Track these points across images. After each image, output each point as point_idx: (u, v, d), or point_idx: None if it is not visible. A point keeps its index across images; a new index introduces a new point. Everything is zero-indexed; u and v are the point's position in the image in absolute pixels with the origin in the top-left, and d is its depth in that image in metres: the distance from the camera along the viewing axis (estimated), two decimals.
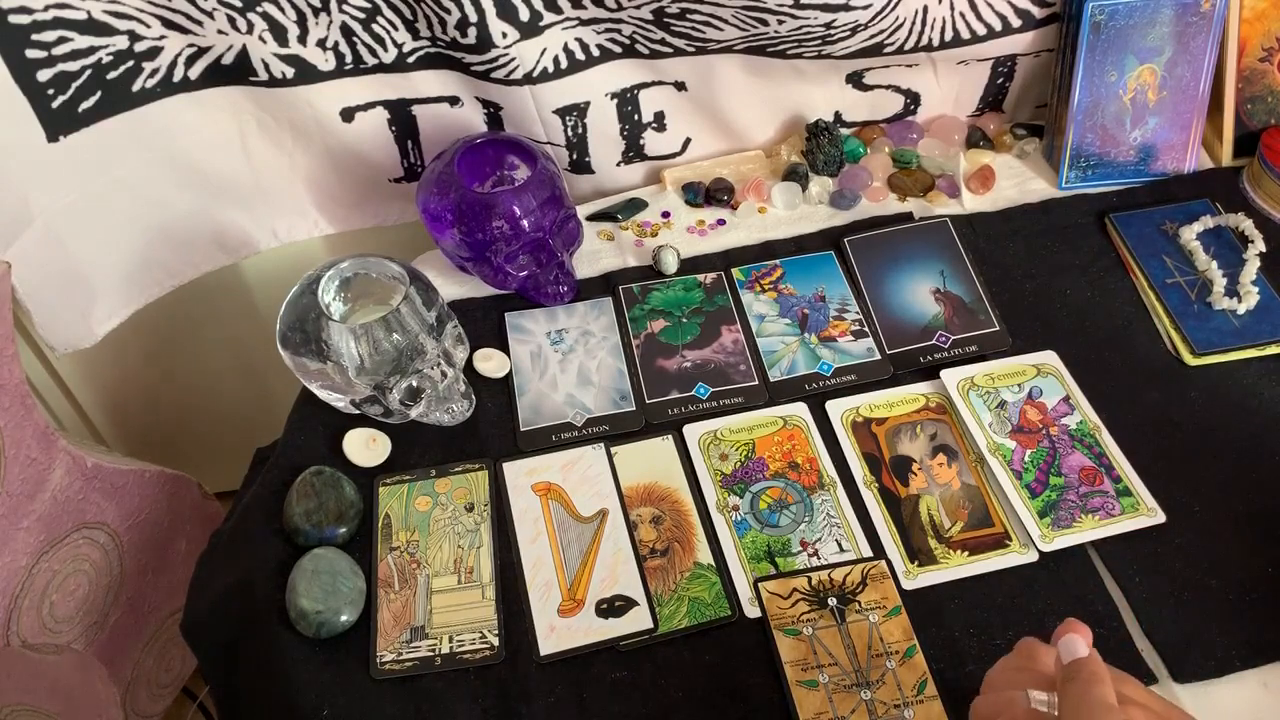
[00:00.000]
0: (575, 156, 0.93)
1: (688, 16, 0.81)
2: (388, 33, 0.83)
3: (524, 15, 0.80)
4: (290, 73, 0.84)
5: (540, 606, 0.67)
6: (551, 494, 0.73)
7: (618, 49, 0.86)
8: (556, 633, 0.66)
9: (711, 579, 0.68)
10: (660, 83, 0.90)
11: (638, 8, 0.80)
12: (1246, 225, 0.83)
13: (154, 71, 0.83)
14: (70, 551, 0.90)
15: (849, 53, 0.85)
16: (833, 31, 0.81)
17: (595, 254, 0.89)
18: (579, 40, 0.84)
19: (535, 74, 0.84)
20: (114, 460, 0.94)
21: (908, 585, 0.67)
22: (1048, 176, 0.91)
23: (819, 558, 0.69)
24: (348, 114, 0.89)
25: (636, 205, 0.93)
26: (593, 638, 0.65)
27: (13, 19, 0.75)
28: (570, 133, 0.90)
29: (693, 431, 0.76)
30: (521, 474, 0.74)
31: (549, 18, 0.81)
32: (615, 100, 0.90)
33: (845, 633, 0.64)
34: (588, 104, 0.89)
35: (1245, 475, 0.70)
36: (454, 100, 0.89)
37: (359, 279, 0.75)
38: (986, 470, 0.72)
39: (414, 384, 0.73)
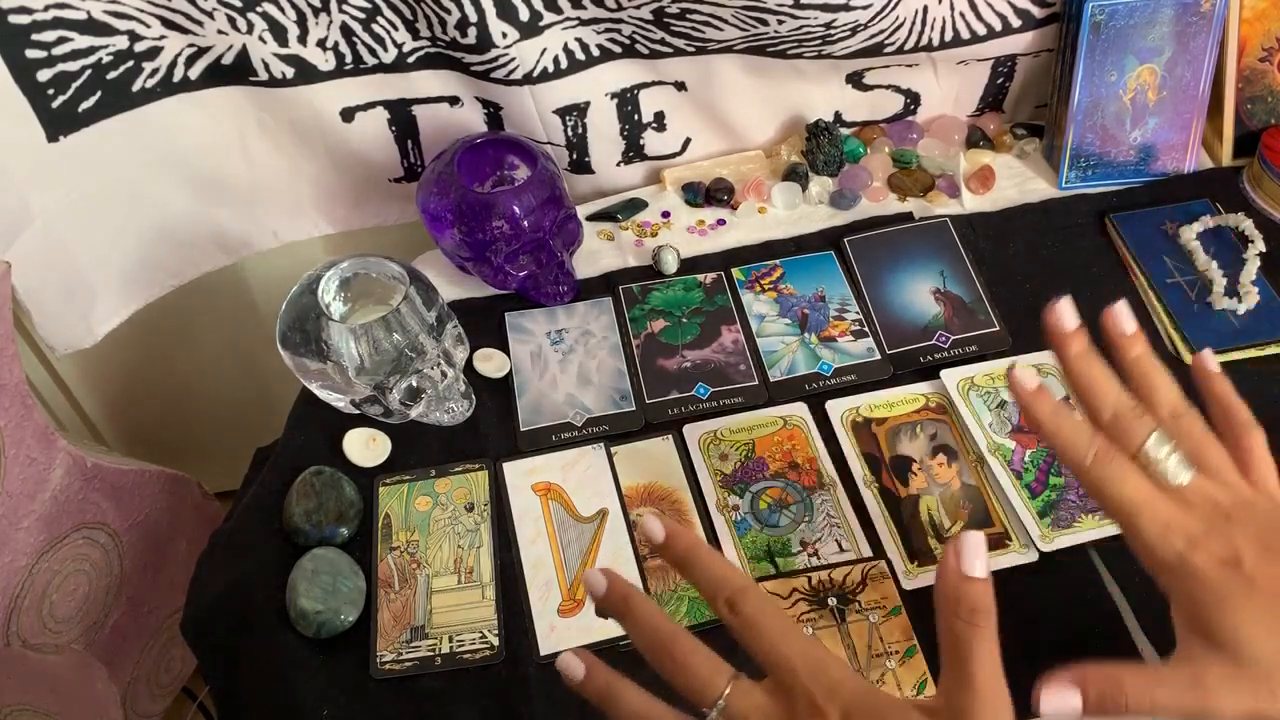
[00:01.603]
0: (575, 156, 0.93)
1: (688, 16, 0.81)
2: (388, 33, 0.83)
3: (524, 15, 0.80)
4: (290, 73, 0.84)
5: (540, 606, 0.67)
6: (551, 494, 0.73)
7: (618, 49, 0.86)
8: (556, 633, 0.66)
9: None
10: (660, 83, 0.90)
11: (638, 8, 0.80)
12: (1246, 225, 0.83)
13: (154, 71, 0.83)
14: (70, 551, 0.90)
15: (849, 53, 0.85)
16: (833, 31, 0.81)
17: (595, 254, 0.89)
18: (579, 40, 0.84)
19: (535, 74, 0.84)
20: (114, 460, 0.94)
21: (908, 585, 0.67)
22: (1048, 176, 0.91)
23: (819, 558, 0.69)
24: (348, 114, 0.89)
25: (636, 205, 0.93)
26: (593, 638, 0.65)
27: (13, 19, 0.75)
28: (570, 133, 0.90)
29: (693, 431, 0.76)
30: (521, 474, 0.74)
31: (549, 18, 0.81)
32: (615, 100, 0.90)
33: (845, 633, 0.64)
34: (588, 104, 0.89)
35: None
36: (454, 100, 0.89)
37: (359, 279, 0.75)
38: (986, 470, 0.72)
39: (414, 384, 0.73)
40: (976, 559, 0.43)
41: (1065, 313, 0.52)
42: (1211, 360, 0.53)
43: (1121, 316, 0.53)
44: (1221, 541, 0.47)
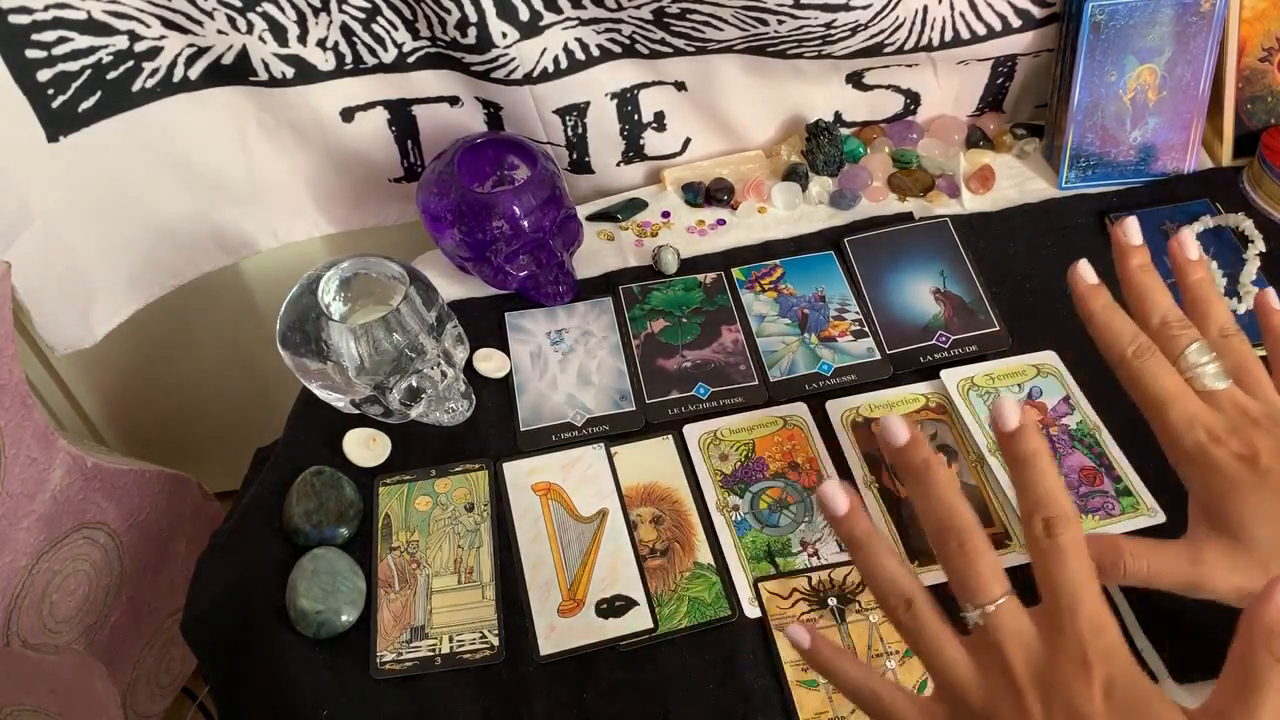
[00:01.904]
0: (575, 156, 0.93)
1: (688, 16, 0.81)
2: (388, 33, 0.83)
3: (524, 15, 0.80)
4: (290, 73, 0.84)
5: (540, 606, 0.67)
6: (551, 494, 0.73)
7: (618, 49, 0.86)
8: (556, 633, 0.66)
9: (711, 579, 0.68)
10: (660, 83, 0.90)
11: (638, 8, 0.80)
12: (1246, 225, 0.83)
13: (154, 71, 0.83)
14: (70, 551, 0.90)
15: (849, 53, 0.85)
16: (833, 31, 0.81)
17: (595, 254, 0.89)
18: (579, 40, 0.84)
19: (535, 74, 0.84)
20: (114, 460, 0.94)
21: None
22: (1048, 176, 0.91)
23: (819, 558, 0.69)
24: (348, 114, 0.89)
25: (636, 205, 0.93)
26: (593, 638, 0.65)
27: (13, 19, 0.75)
28: (570, 133, 0.90)
29: (693, 431, 0.76)
30: (521, 474, 0.74)
31: (549, 18, 0.81)
32: (615, 100, 0.90)
33: (845, 633, 0.64)
34: (588, 104, 0.89)
35: None
36: (454, 100, 0.89)
37: (359, 279, 0.75)
38: (986, 470, 0.72)
39: (414, 384, 0.73)
40: None
41: (1131, 229, 0.55)
42: (1274, 298, 0.56)
43: (1187, 244, 0.56)
44: (1241, 439, 0.50)
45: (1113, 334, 0.53)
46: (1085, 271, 0.54)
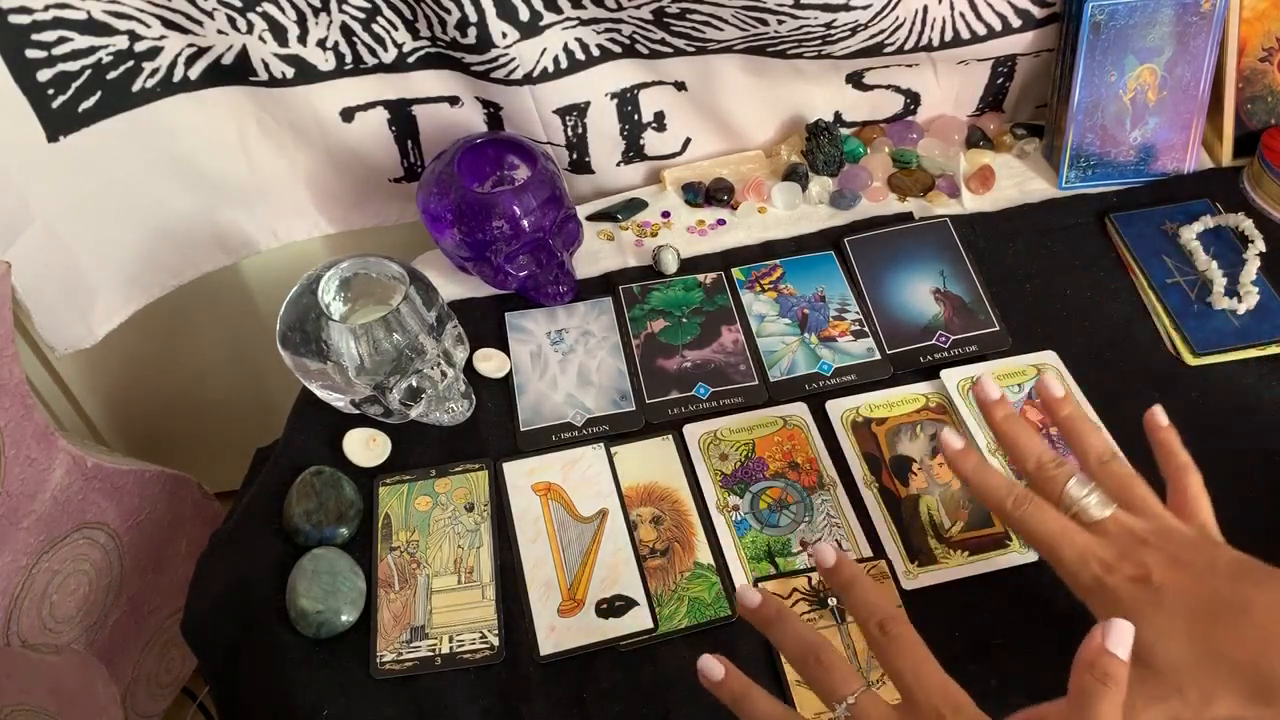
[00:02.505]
0: (575, 156, 0.93)
1: (688, 16, 0.81)
2: (388, 33, 0.83)
3: (524, 15, 0.80)
4: (290, 73, 0.84)
5: (540, 606, 0.67)
6: (551, 494, 0.73)
7: (618, 49, 0.86)
8: (556, 633, 0.66)
9: (711, 579, 0.68)
10: (660, 83, 0.90)
11: (638, 8, 0.80)
12: (1246, 225, 0.83)
13: (154, 71, 0.83)
14: (70, 551, 0.90)
15: (849, 53, 0.85)
16: (833, 31, 0.81)
17: (595, 254, 0.89)
18: (579, 40, 0.84)
19: (535, 74, 0.84)
20: (114, 460, 0.94)
21: (908, 585, 0.67)
22: (1048, 176, 0.91)
23: None
24: (348, 114, 0.89)
25: (636, 205, 0.93)
26: (593, 638, 0.65)
27: (13, 19, 0.75)
28: (570, 133, 0.90)
29: (693, 431, 0.76)
30: (521, 474, 0.74)
31: (549, 18, 0.81)
32: (615, 100, 0.90)
33: (845, 633, 0.64)
34: (588, 104, 0.89)
35: (1245, 475, 0.70)
36: (454, 100, 0.89)
37: (359, 279, 0.75)
38: None
39: (414, 384, 0.73)
40: (1122, 644, 0.46)
41: (989, 386, 0.61)
42: (1161, 416, 0.60)
43: (1052, 386, 0.61)
44: (1132, 562, 0.51)
45: (990, 490, 0.56)
46: (950, 438, 0.58)
